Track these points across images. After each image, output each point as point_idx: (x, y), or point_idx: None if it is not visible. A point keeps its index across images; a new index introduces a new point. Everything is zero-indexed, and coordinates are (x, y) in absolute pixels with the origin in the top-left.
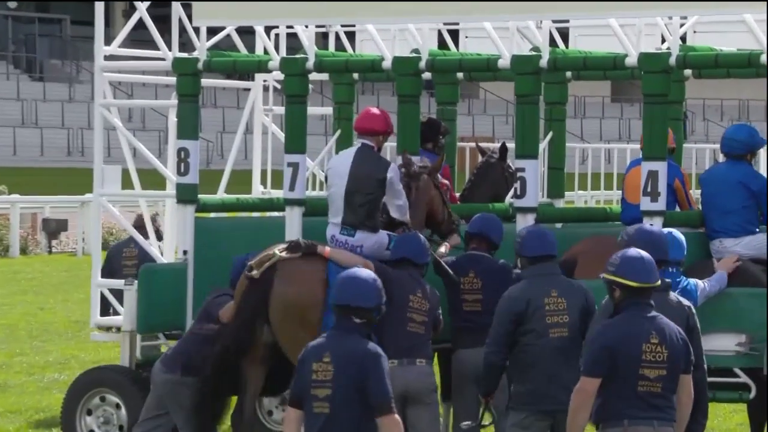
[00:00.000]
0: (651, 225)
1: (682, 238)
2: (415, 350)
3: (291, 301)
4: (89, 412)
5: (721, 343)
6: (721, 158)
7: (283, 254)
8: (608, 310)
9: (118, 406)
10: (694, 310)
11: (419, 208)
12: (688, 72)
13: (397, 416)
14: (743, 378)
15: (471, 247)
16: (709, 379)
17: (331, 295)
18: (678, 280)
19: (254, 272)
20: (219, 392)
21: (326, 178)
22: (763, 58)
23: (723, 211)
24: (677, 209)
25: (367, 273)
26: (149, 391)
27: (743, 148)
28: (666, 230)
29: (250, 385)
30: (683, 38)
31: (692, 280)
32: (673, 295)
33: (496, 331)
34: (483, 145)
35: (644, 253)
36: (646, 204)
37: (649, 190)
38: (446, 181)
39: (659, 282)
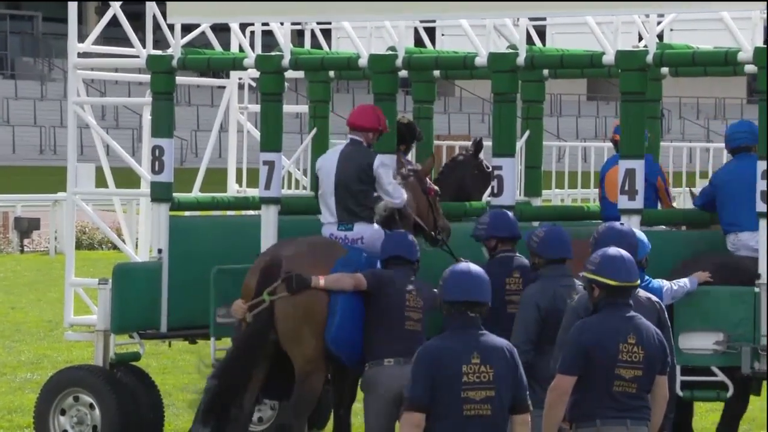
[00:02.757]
0: (621, 224)
1: (645, 237)
2: (414, 349)
3: (296, 302)
4: (63, 412)
5: (699, 342)
6: (725, 158)
7: (274, 297)
8: (577, 311)
9: (91, 406)
10: (664, 307)
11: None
12: (665, 70)
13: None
14: (721, 377)
15: (500, 251)
16: (687, 378)
17: (445, 291)
18: (643, 279)
19: (248, 316)
20: (231, 393)
21: (317, 178)
22: (740, 56)
23: (739, 205)
24: (659, 207)
25: (475, 267)
26: (123, 392)
27: (750, 138)
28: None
29: (254, 382)
30: (660, 36)
31: (656, 280)
32: (642, 293)
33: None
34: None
35: (624, 252)
36: (623, 202)
37: (626, 188)
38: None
39: (638, 281)
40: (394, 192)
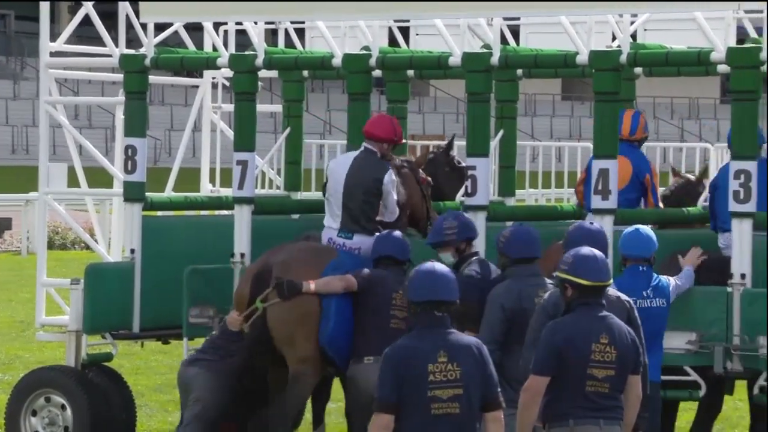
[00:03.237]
0: (591, 223)
1: (653, 235)
2: None
3: (288, 307)
4: (34, 413)
5: (672, 342)
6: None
7: (266, 304)
8: (546, 310)
9: (63, 407)
10: (634, 305)
11: (401, 202)
12: (638, 70)
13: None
14: (693, 376)
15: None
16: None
17: (411, 291)
18: (650, 277)
19: (245, 327)
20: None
21: (325, 180)
22: (714, 56)
23: None
24: (642, 205)
25: (440, 266)
26: (95, 392)
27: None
28: (633, 227)
29: (276, 388)
30: (634, 36)
31: (664, 278)
32: (612, 291)
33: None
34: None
35: (597, 252)
36: (597, 202)
37: (599, 188)
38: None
39: (611, 281)
40: (393, 210)
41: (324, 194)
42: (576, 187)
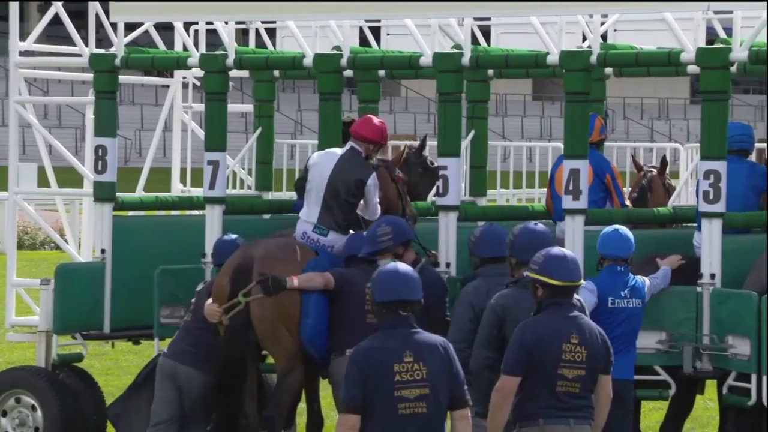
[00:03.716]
0: (535, 224)
1: (631, 235)
2: None
3: (270, 302)
4: (4, 414)
5: (642, 341)
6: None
7: (249, 299)
8: (496, 310)
9: (33, 407)
10: (585, 305)
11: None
12: (608, 70)
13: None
14: (663, 376)
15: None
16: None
17: (375, 293)
18: (627, 277)
19: (224, 319)
20: (229, 389)
21: (305, 168)
22: (683, 56)
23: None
24: (607, 205)
25: (403, 266)
26: (65, 393)
27: (750, 143)
28: (612, 228)
29: (248, 386)
30: (604, 36)
31: (639, 278)
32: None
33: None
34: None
35: (567, 252)
36: (568, 202)
37: (570, 188)
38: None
39: (581, 281)
40: (374, 211)
41: (296, 188)
42: (546, 201)
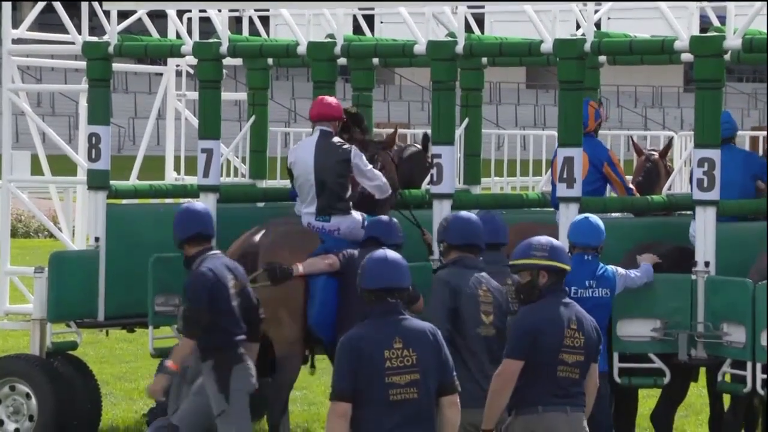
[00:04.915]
0: (468, 213)
1: (601, 224)
2: None
3: (273, 289)
4: None
5: (637, 329)
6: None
7: (255, 286)
8: (444, 280)
9: (28, 395)
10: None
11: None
12: (602, 58)
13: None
14: (658, 363)
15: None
16: (625, 365)
17: (363, 280)
18: (595, 266)
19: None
20: None
21: (289, 169)
22: (677, 44)
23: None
24: (610, 193)
25: (392, 253)
26: (60, 381)
27: (732, 129)
28: (583, 216)
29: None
30: (598, 25)
31: (611, 267)
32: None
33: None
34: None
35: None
36: (562, 190)
37: (565, 176)
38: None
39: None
40: (372, 176)
41: (292, 184)
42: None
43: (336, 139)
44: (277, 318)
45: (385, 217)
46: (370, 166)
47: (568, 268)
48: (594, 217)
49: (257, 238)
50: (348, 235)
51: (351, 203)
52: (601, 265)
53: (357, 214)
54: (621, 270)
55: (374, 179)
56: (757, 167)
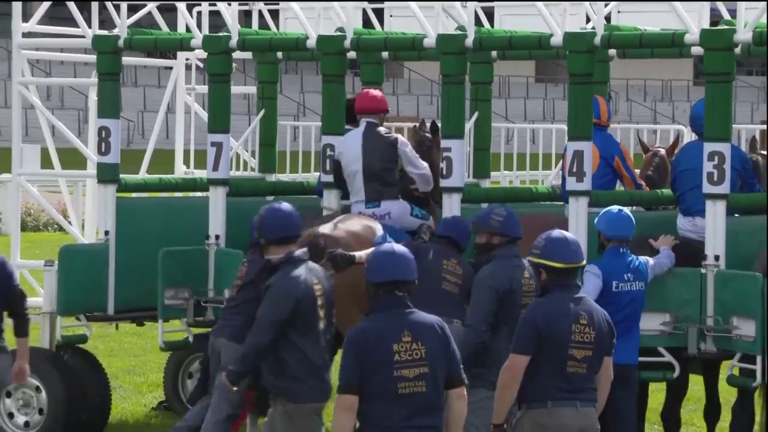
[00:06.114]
0: (279, 203)
1: (631, 215)
2: (449, 309)
3: (341, 281)
4: (8, 395)
5: (646, 323)
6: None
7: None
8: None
9: (38, 389)
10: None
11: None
12: (612, 52)
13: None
14: (667, 357)
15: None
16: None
17: (371, 273)
18: (630, 259)
19: None
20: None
21: (336, 161)
22: (687, 38)
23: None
24: (619, 187)
25: (399, 246)
26: (69, 374)
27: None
28: (614, 208)
29: None
30: (608, 18)
31: (643, 258)
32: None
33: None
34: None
35: (568, 234)
36: (572, 184)
37: (574, 170)
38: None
39: (584, 261)
40: (420, 165)
41: (335, 179)
42: None
43: (382, 129)
44: (349, 313)
45: (462, 218)
46: (416, 154)
47: (558, 265)
48: (624, 209)
49: (320, 228)
50: (398, 219)
51: (398, 189)
52: (634, 257)
53: (405, 201)
54: (651, 260)
55: (421, 168)
56: (743, 162)
